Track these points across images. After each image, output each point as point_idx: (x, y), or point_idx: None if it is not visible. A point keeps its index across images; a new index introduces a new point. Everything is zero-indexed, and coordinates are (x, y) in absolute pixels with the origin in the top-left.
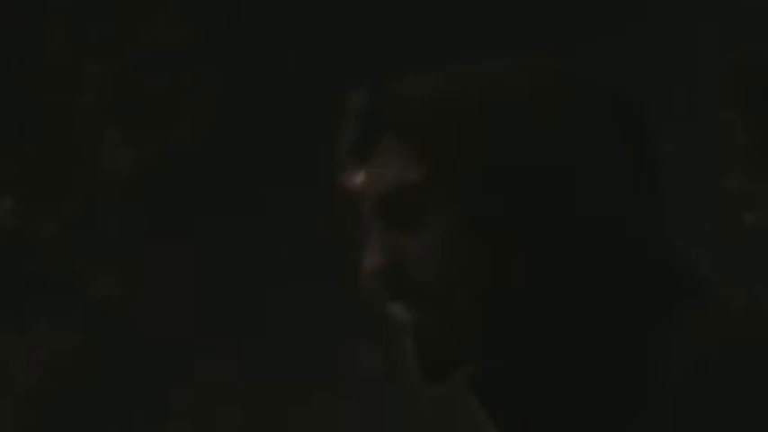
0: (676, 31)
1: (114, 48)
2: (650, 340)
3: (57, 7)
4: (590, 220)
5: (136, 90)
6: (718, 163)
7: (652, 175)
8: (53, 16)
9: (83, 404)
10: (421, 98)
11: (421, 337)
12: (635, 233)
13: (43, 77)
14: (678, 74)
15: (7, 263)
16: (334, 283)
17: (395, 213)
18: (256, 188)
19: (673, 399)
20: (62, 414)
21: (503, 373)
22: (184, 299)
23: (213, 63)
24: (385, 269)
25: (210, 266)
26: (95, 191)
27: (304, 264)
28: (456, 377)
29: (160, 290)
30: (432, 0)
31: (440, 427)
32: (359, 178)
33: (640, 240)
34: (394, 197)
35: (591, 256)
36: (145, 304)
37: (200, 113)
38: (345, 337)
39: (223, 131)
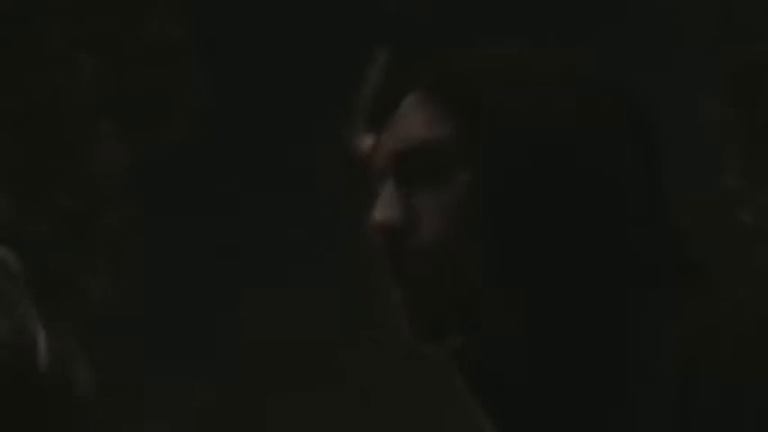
0: (673, 29)
1: (110, 44)
2: (646, 326)
3: (52, 3)
4: (600, 203)
5: (131, 87)
6: (717, 163)
7: (655, 165)
8: (48, 12)
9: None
10: (456, 64)
11: (418, 296)
12: (641, 220)
13: (39, 73)
14: (676, 71)
15: None
16: (320, 283)
17: (412, 170)
18: (255, 188)
19: (665, 384)
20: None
21: (491, 349)
22: (169, 297)
23: (208, 60)
24: (394, 223)
25: (199, 264)
26: (90, 188)
27: (296, 263)
28: (446, 343)
29: (150, 287)
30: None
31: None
32: (378, 133)
33: (645, 227)
34: (415, 153)
35: (598, 242)
36: (137, 301)
37: (197, 111)
38: (328, 339)
39: (218, 130)
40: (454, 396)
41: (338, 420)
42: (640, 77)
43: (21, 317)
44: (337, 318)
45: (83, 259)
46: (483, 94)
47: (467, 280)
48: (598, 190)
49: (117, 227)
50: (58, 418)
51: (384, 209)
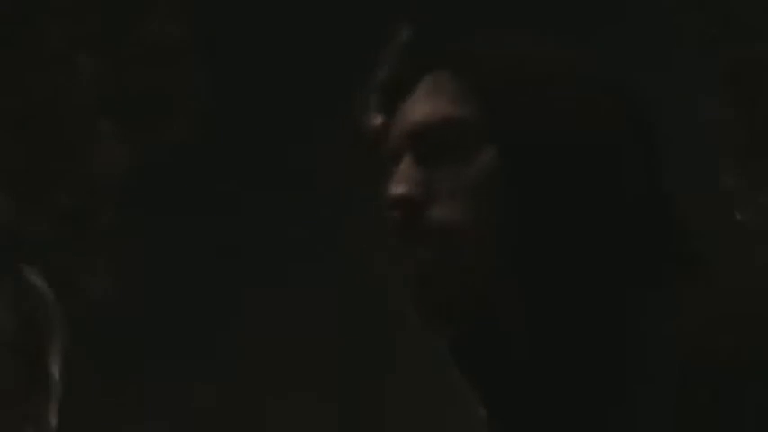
0: (672, 29)
1: (110, 44)
2: (647, 323)
3: (52, 3)
4: (608, 195)
5: (131, 87)
6: (717, 163)
7: (657, 160)
8: (48, 12)
9: (64, 401)
10: (477, 47)
11: (430, 274)
12: (643, 216)
13: (39, 73)
14: (676, 71)
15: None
16: (320, 283)
17: (432, 147)
18: (255, 188)
19: (665, 382)
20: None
21: (493, 339)
22: (168, 296)
23: (208, 60)
24: (412, 197)
25: (199, 264)
26: (90, 188)
27: (296, 263)
28: (451, 329)
29: (148, 287)
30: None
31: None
32: (393, 112)
33: (647, 224)
34: (436, 131)
35: (604, 236)
36: (135, 301)
37: (197, 111)
38: (328, 339)
39: (218, 130)
40: (454, 395)
41: (338, 420)
42: (640, 77)
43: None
44: (337, 318)
45: (83, 259)
46: (507, 77)
47: (481, 258)
48: (611, 181)
49: (117, 227)
50: None
51: (402, 183)
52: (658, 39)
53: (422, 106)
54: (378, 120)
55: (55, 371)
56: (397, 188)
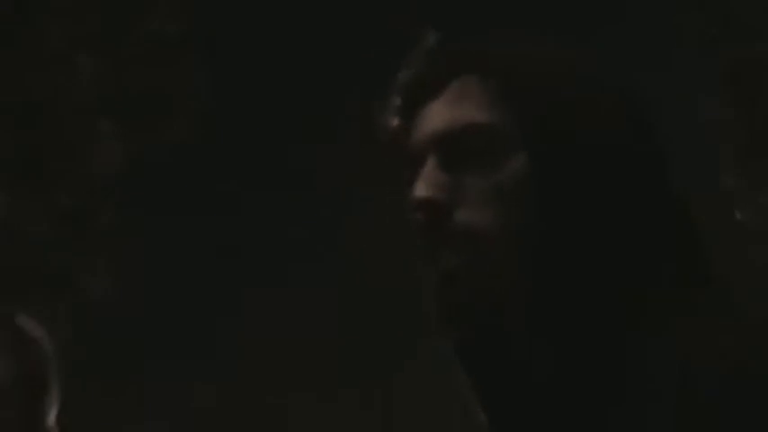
0: (672, 29)
1: (110, 44)
2: (650, 327)
3: (52, 3)
4: (639, 199)
5: (131, 87)
6: (717, 163)
7: (670, 167)
8: (48, 12)
9: (62, 401)
10: (509, 51)
11: (452, 280)
12: (668, 218)
13: (39, 73)
14: (677, 71)
15: None
16: (320, 283)
17: (458, 151)
18: (255, 188)
19: (666, 385)
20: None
21: (501, 341)
22: (168, 296)
23: (208, 60)
24: (438, 200)
25: (199, 264)
26: (90, 187)
27: (296, 263)
28: (466, 331)
29: (148, 287)
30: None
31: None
32: (415, 116)
33: (670, 225)
34: (464, 135)
35: (620, 245)
36: (135, 301)
37: (197, 111)
38: (328, 338)
39: (218, 130)
40: (455, 396)
41: (338, 420)
42: (640, 77)
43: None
44: (337, 318)
45: (83, 259)
46: (534, 82)
47: (506, 263)
48: (641, 190)
49: (117, 227)
50: None
51: (427, 186)
52: (658, 39)
53: (449, 110)
54: (397, 122)
55: (52, 421)
56: (422, 191)
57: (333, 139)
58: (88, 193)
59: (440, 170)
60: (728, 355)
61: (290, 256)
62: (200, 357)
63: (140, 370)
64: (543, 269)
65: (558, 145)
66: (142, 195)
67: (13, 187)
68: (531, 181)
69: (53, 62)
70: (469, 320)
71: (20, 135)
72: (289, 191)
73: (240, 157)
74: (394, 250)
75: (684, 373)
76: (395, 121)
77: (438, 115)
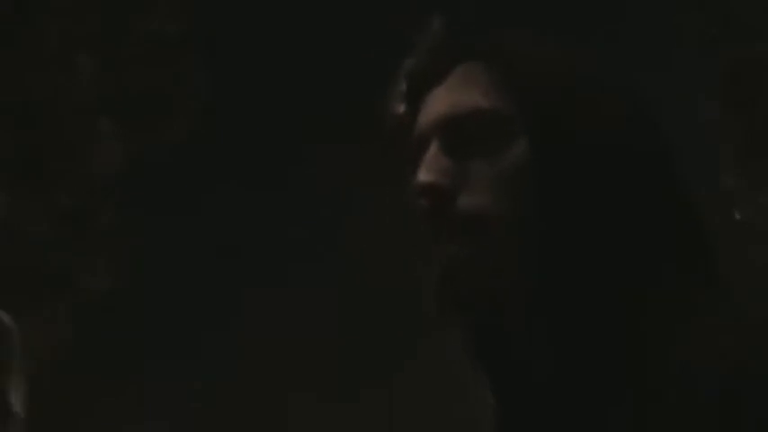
0: (672, 29)
1: (110, 44)
2: (654, 326)
3: (52, 3)
4: (637, 189)
5: (131, 87)
6: (717, 163)
7: (676, 162)
8: (48, 12)
9: (64, 401)
10: (514, 40)
11: (452, 266)
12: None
13: (39, 73)
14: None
15: None
16: (320, 283)
17: (462, 137)
18: (255, 188)
19: (668, 384)
20: (45, 410)
21: (504, 333)
22: (168, 296)
23: (208, 60)
24: (439, 186)
25: (199, 264)
26: (90, 187)
27: (296, 263)
28: (466, 319)
29: (148, 287)
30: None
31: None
32: (419, 102)
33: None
34: (468, 121)
35: (621, 240)
36: (135, 302)
37: (197, 111)
38: (328, 339)
39: (218, 130)
40: (454, 397)
41: (338, 420)
42: (640, 77)
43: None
44: (337, 318)
45: (83, 259)
46: (539, 70)
47: (508, 250)
48: (639, 181)
49: (117, 227)
50: None
51: (430, 171)
52: (658, 39)
53: (453, 96)
54: (403, 109)
55: (17, 405)
56: (426, 176)
57: (333, 139)
58: (88, 193)
59: (443, 155)
60: (728, 355)
61: (290, 256)
62: (200, 357)
63: (140, 370)
64: (543, 263)
65: (560, 133)
66: (142, 195)
67: (13, 187)
68: (531, 168)
69: (53, 62)
70: (469, 307)
71: (20, 135)
72: (289, 191)
73: (240, 157)
74: (394, 250)
75: (684, 373)
76: (401, 109)
77: (442, 101)
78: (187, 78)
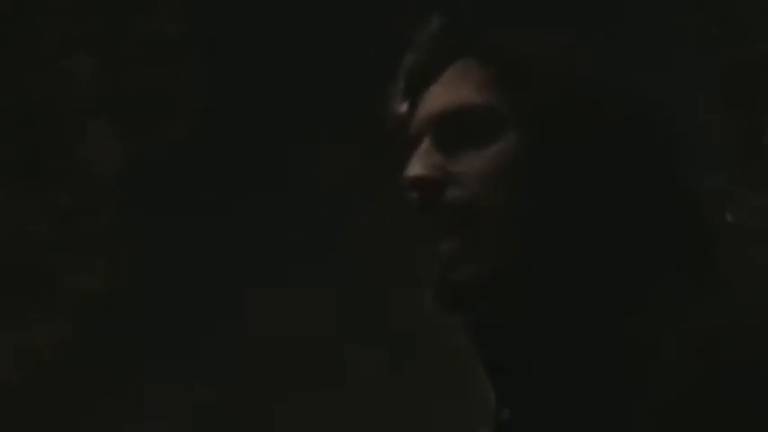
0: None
1: (110, 44)
2: (652, 322)
3: (52, 3)
4: (631, 183)
5: (131, 87)
6: (716, 163)
7: (677, 157)
8: (48, 12)
9: (62, 401)
10: (513, 38)
11: (449, 261)
12: (667, 205)
13: (39, 73)
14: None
15: None
16: (320, 283)
17: (455, 131)
18: (255, 188)
19: (667, 382)
20: (44, 410)
21: (505, 328)
22: (168, 296)
23: (208, 60)
24: (431, 180)
25: (199, 264)
26: (89, 187)
27: (296, 263)
28: (465, 314)
29: (148, 287)
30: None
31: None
32: (416, 98)
33: (670, 213)
34: (462, 115)
35: (620, 230)
36: (135, 302)
37: (197, 111)
38: (328, 338)
39: (218, 130)
40: (454, 397)
41: (339, 420)
42: (640, 77)
43: None
44: (337, 318)
45: (83, 259)
46: (533, 67)
47: (500, 241)
48: (633, 174)
49: (117, 227)
50: None
51: (419, 165)
52: (658, 39)
53: (447, 92)
54: (401, 106)
55: None
56: (414, 169)
57: (333, 139)
58: (88, 193)
59: (435, 150)
60: (728, 354)
61: (290, 256)
62: (200, 357)
63: (140, 370)
64: (543, 263)
65: (560, 132)
66: (142, 195)
67: (13, 187)
68: (529, 166)
69: (53, 62)
70: (467, 300)
71: (20, 135)
72: (289, 191)
73: (240, 157)
74: (394, 250)
75: (684, 374)
76: (399, 106)
77: (436, 97)
78: (187, 78)
